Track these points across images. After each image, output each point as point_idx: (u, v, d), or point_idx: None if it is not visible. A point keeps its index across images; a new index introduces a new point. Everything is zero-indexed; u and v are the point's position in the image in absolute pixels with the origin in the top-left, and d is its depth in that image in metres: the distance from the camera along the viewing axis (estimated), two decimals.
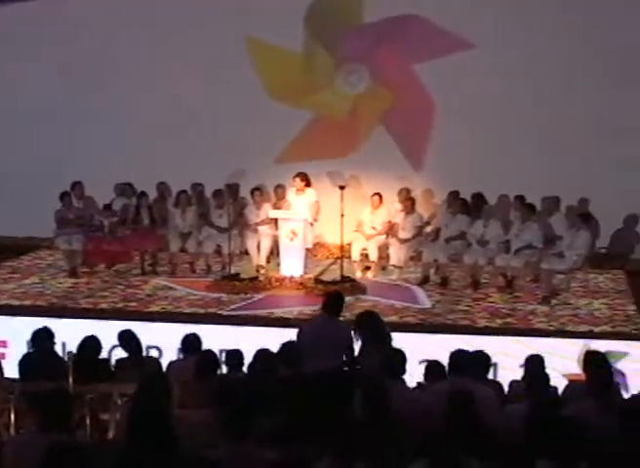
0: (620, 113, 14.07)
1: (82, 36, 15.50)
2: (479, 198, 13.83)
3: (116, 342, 8.77)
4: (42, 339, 8.49)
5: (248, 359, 7.60)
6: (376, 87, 15.13)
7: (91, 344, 8.35)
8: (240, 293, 12.56)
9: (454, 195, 13.66)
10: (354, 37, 15.07)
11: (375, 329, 8.54)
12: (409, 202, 13.71)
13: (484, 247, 12.87)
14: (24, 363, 8.34)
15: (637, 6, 14.08)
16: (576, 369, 9.50)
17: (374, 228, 13.76)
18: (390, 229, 13.73)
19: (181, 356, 8.91)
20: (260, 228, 13.88)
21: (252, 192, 14.16)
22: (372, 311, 9.48)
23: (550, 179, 14.00)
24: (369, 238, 13.69)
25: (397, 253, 13.48)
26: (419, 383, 8.28)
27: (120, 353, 8.79)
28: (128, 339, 8.61)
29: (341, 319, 9.20)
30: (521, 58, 14.22)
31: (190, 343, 8.43)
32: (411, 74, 14.89)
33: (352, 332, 8.57)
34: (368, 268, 13.76)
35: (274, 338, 8.68)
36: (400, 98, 15.00)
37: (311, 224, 13.65)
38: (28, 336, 8.84)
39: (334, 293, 9.47)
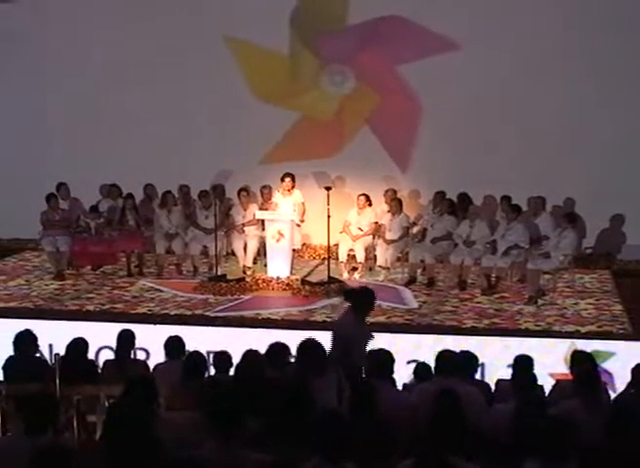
0: (606, 114, 14.11)
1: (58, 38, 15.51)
2: (465, 198, 13.83)
3: (103, 344, 8.72)
4: (24, 342, 8.44)
5: (235, 360, 7.57)
6: (361, 87, 15.10)
7: (78, 346, 8.31)
8: (227, 295, 12.54)
9: (440, 196, 13.67)
10: (339, 38, 15.05)
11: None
12: (395, 203, 13.70)
13: (470, 247, 12.88)
14: (7, 366, 8.30)
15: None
16: (563, 368, 9.53)
17: (360, 229, 13.76)
18: (377, 230, 13.74)
19: (166, 358, 8.87)
20: (246, 229, 13.86)
21: (238, 193, 14.14)
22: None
23: (536, 180, 14.03)
24: (355, 239, 13.69)
25: (384, 254, 13.47)
26: (404, 384, 8.29)
27: (107, 355, 8.75)
28: (126, 338, 8.56)
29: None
30: (507, 59, 14.23)
31: (173, 346, 8.34)
32: (396, 75, 14.88)
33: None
34: (355, 269, 13.74)
35: (261, 339, 8.67)
36: (386, 99, 14.98)
37: (298, 225, 13.64)
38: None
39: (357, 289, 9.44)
